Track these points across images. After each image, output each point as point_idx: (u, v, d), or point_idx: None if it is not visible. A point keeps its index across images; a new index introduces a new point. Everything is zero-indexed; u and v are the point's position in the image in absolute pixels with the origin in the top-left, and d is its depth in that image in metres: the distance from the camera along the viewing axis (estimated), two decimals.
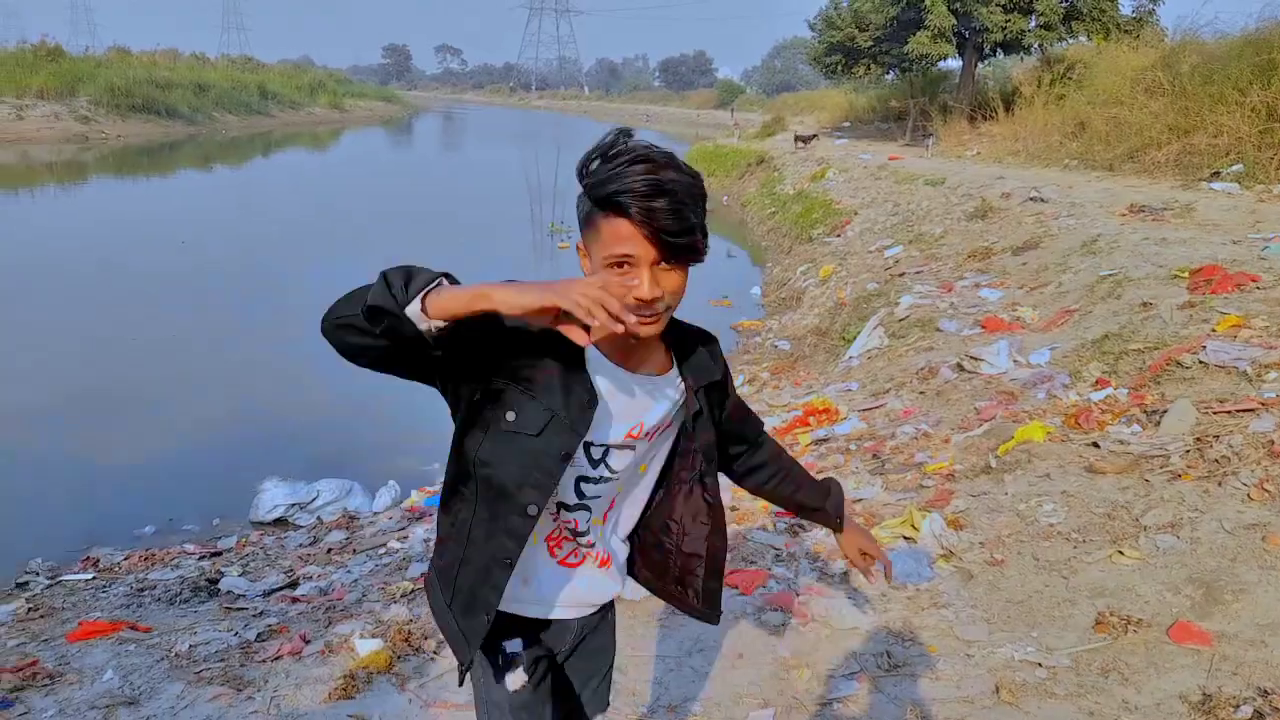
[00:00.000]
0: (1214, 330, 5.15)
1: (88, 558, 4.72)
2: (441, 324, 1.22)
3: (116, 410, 6.92)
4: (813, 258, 12.93)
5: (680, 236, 1.27)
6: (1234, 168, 11.05)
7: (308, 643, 3.39)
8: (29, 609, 4.02)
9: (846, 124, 28.44)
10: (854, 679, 2.88)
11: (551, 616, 1.58)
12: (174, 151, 29.20)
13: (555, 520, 1.53)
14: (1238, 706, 2.41)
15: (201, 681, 3.07)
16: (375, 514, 5.32)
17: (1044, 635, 2.97)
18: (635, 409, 1.45)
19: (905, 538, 3.87)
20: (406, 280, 1.23)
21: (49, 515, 5.29)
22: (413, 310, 1.21)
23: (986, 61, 26.19)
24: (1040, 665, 2.80)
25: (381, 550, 4.62)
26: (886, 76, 28.37)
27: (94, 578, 4.48)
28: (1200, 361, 4.77)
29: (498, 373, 1.37)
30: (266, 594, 4.10)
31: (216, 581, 4.27)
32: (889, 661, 2.95)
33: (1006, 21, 22.14)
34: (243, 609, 3.92)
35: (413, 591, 3.85)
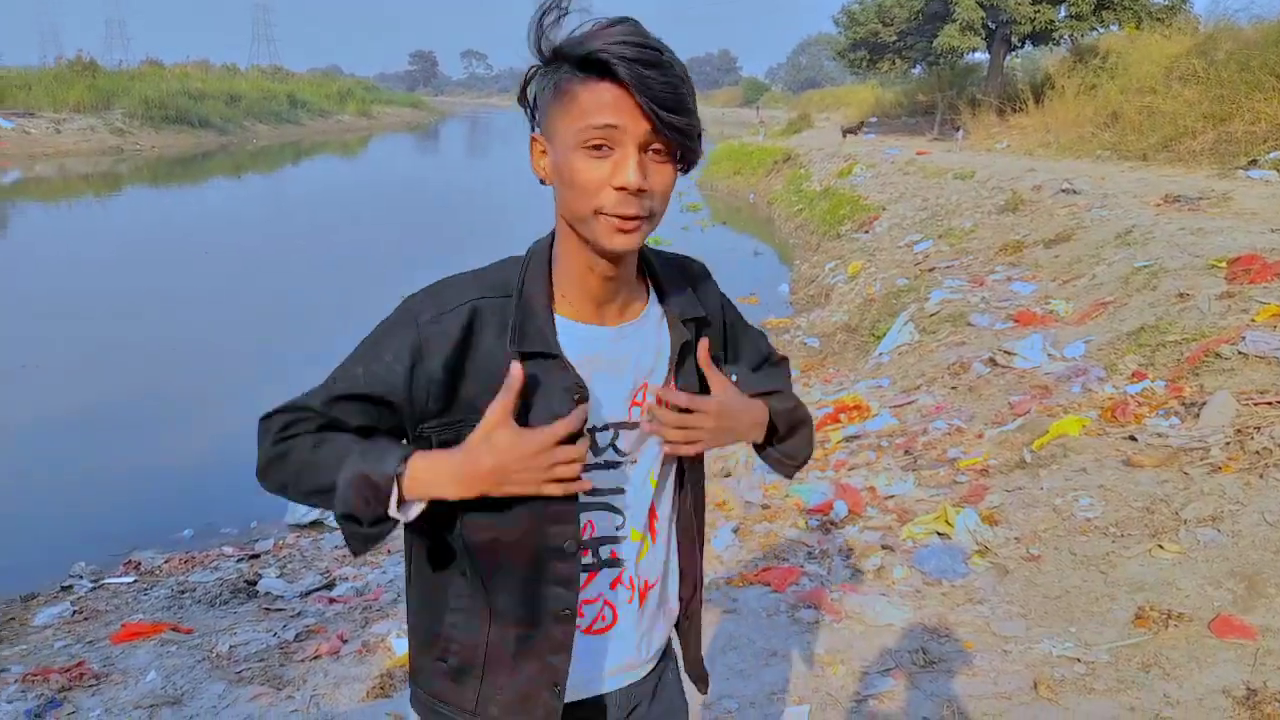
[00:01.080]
0: (1253, 320, 5.05)
1: (129, 561, 4.81)
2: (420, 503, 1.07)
3: (155, 416, 7.05)
4: (841, 254, 12.85)
5: (677, 113, 1.01)
6: (1272, 155, 10.83)
7: (345, 642, 3.44)
8: (74, 611, 4.11)
9: (873, 119, 28.22)
10: (889, 675, 2.87)
11: (574, 699, 1.22)
12: (206, 161, 29.67)
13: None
14: None
15: (242, 681, 3.13)
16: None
17: (1083, 630, 2.93)
18: (631, 369, 1.18)
19: (939, 534, 3.84)
20: (369, 499, 1.06)
21: (91, 520, 5.40)
22: (406, 512, 1.07)
23: (1015, 53, 25.88)
24: (1079, 660, 2.76)
25: None
26: (913, 71, 28.15)
27: (136, 580, 4.56)
28: (1240, 352, 4.68)
29: (466, 415, 1.11)
30: (304, 595, 4.16)
31: (255, 583, 4.34)
32: (924, 657, 2.93)
33: (1036, 12, 21.87)
34: (281, 610, 3.98)
35: None
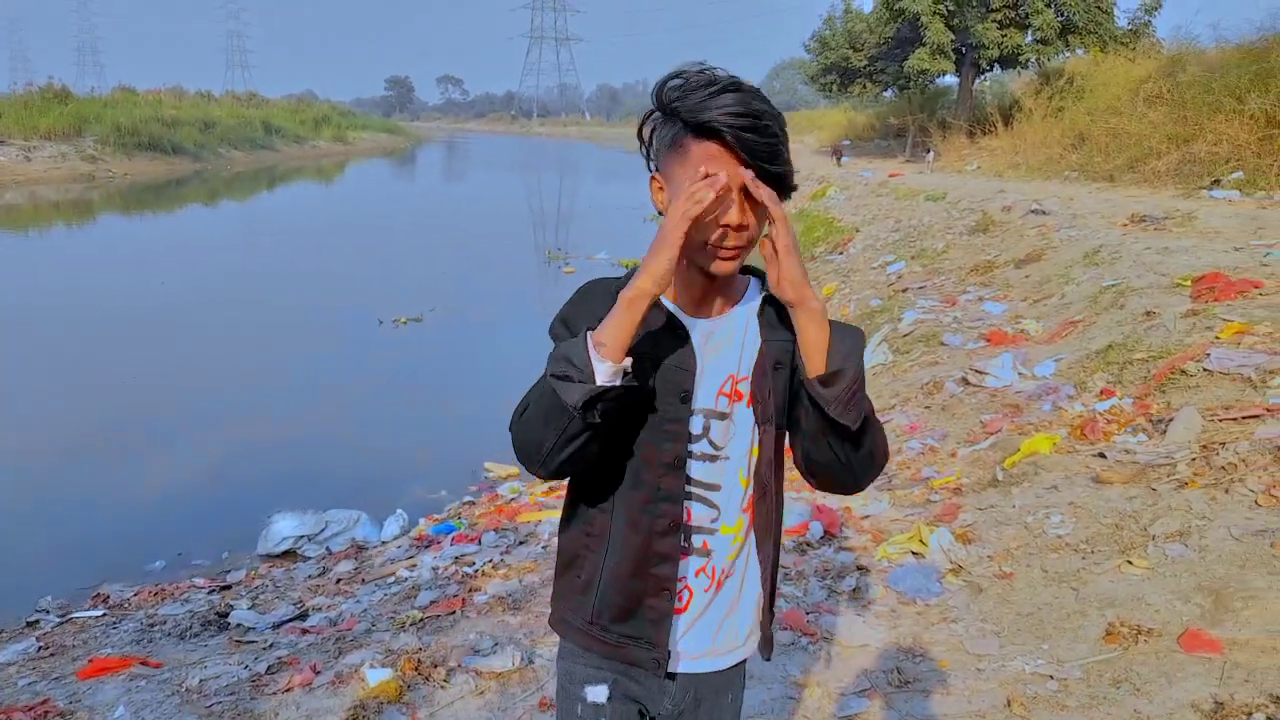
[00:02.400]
0: (1218, 337, 5.15)
1: (98, 594, 4.73)
2: (628, 360, 1.21)
3: (124, 447, 6.96)
4: (816, 276, 12.96)
5: (772, 165, 1.23)
6: (1234, 175, 11.08)
7: (318, 674, 3.39)
8: (40, 647, 4.03)
9: (846, 142, 28.59)
10: (865, 696, 2.87)
11: (649, 656, 1.38)
12: (180, 188, 29.48)
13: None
14: (1250, 714, 2.39)
15: (212, 716, 3.07)
16: (383, 543, 5.32)
17: (1054, 647, 2.95)
18: (721, 359, 1.35)
19: (914, 553, 3.86)
20: (570, 361, 1.21)
21: (59, 553, 5.31)
22: (604, 372, 1.20)
23: (984, 77, 26.35)
24: (1051, 678, 2.78)
25: (390, 579, 4.62)
26: (884, 94, 28.58)
27: (104, 614, 4.48)
28: (1205, 369, 4.76)
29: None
30: (276, 626, 4.10)
31: (226, 615, 4.27)
32: (899, 678, 2.94)
33: (1003, 37, 22.33)
34: (253, 642, 3.92)
35: (422, 620, 3.85)
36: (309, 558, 5.20)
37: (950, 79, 25.82)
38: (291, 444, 7.12)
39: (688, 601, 1.39)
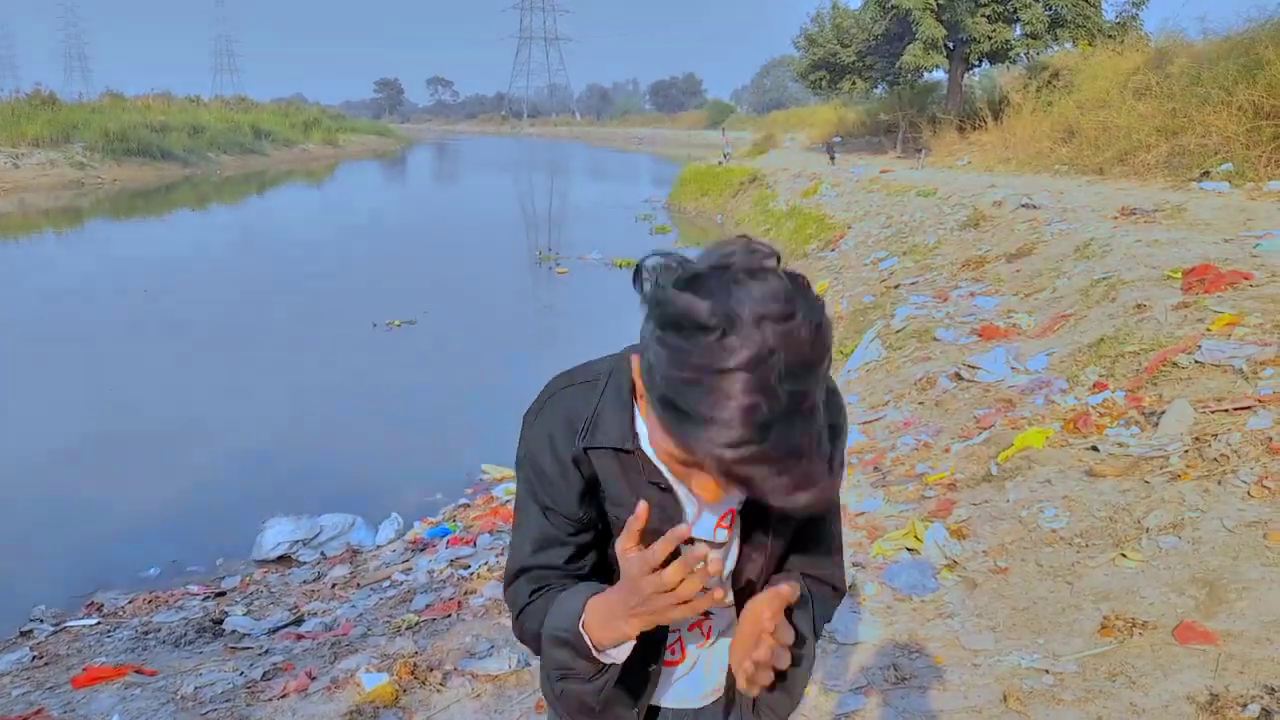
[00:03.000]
0: (1209, 329, 5.16)
1: (92, 603, 4.71)
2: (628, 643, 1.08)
3: (117, 454, 6.93)
4: (808, 273, 12.92)
5: (796, 505, 0.89)
6: (1223, 167, 11.11)
7: (313, 679, 3.39)
8: (34, 656, 4.02)
9: (838, 139, 28.62)
10: (861, 693, 2.87)
11: (630, 713, 1.28)
12: (169, 193, 29.38)
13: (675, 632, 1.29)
14: (1245, 705, 2.39)
15: None
16: (378, 547, 5.31)
17: (1050, 641, 2.96)
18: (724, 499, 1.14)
19: (909, 549, 3.86)
20: (573, 668, 1.12)
21: (53, 562, 5.28)
22: (615, 656, 1.09)
23: (973, 72, 26.40)
24: (1047, 672, 2.78)
25: (385, 583, 4.61)
26: (874, 90, 28.61)
27: (98, 623, 4.47)
28: (1196, 361, 4.77)
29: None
30: (271, 632, 4.09)
31: (221, 621, 4.26)
32: (896, 674, 2.94)
33: (993, 31, 22.37)
34: (248, 648, 3.91)
35: (417, 624, 3.84)
36: (304, 563, 5.19)
37: (940, 74, 25.86)
38: (285, 449, 7.10)
39: (680, 658, 1.30)
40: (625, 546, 1.00)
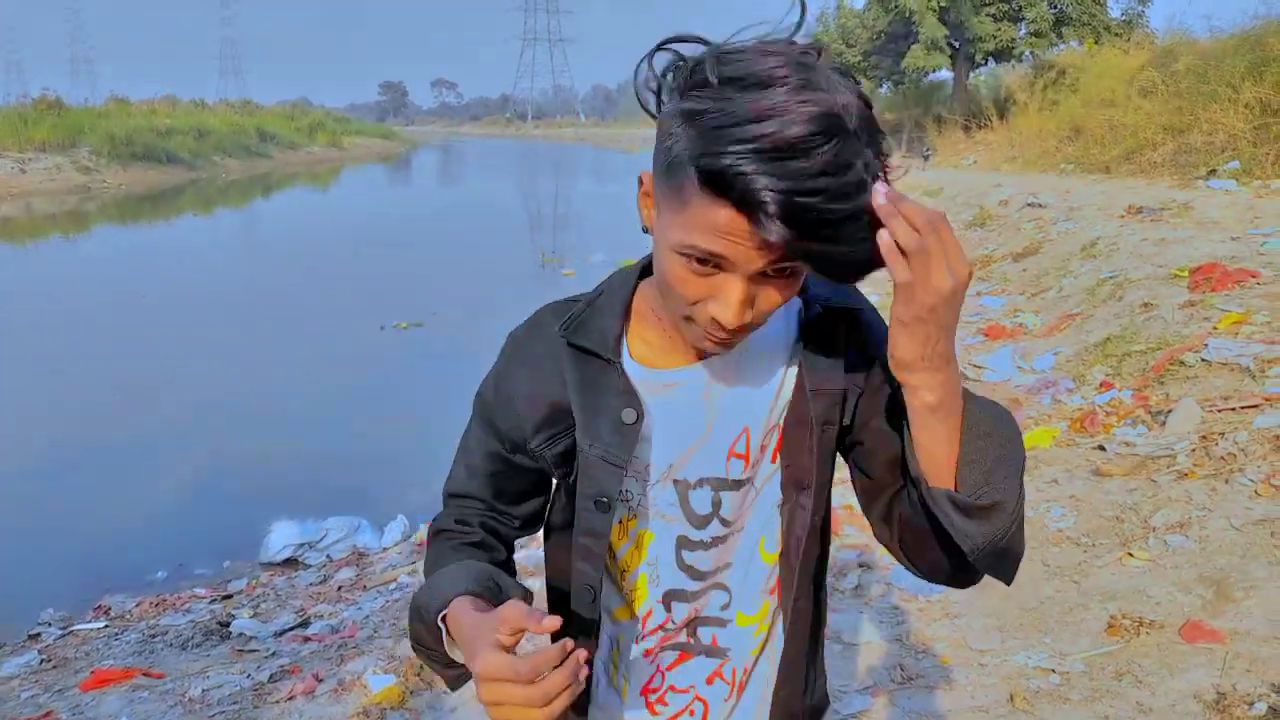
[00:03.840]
0: (1215, 328, 5.15)
1: (99, 606, 4.73)
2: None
3: (123, 457, 6.95)
4: None
5: (834, 239, 0.74)
6: (1230, 164, 11.07)
7: (320, 681, 3.39)
8: (42, 660, 4.03)
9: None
10: (868, 693, 2.87)
11: None
12: (175, 197, 29.49)
13: (664, 630, 1.04)
14: (1252, 704, 2.39)
15: None
16: (384, 549, 5.32)
17: (1057, 641, 2.95)
18: (731, 409, 0.97)
19: None
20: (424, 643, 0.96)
21: (60, 565, 5.30)
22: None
23: (978, 71, 26.35)
24: (1054, 671, 2.78)
25: (392, 585, 4.61)
26: (879, 90, 28.57)
27: (106, 626, 4.48)
28: (1203, 360, 4.76)
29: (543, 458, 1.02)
30: (278, 634, 4.10)
31: (228, 624, 4.27)
32: (902, 674, 2.93)
33: (998, 30, 22.34)
34: (255, 650, 3.92)
35: None
36: (310, 565, 5.20)
37: (945, 74, 25.85)
38: (292, 451, 7.11)
39: (702, 717, 1.05)
40: (504, 623, 0.80)
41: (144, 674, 3.65)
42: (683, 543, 1.00)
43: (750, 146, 0.70)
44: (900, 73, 24.78)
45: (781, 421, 0.97)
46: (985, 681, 2.81)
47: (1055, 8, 22.25)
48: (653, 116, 0.87)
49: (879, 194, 0.74)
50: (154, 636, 4.22)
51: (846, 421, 0.97)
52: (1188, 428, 4.12)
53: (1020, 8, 22.25)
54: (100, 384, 8.81)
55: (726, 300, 0.80)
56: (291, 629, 4.15)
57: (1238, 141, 11.40)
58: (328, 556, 5.26)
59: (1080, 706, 2.59)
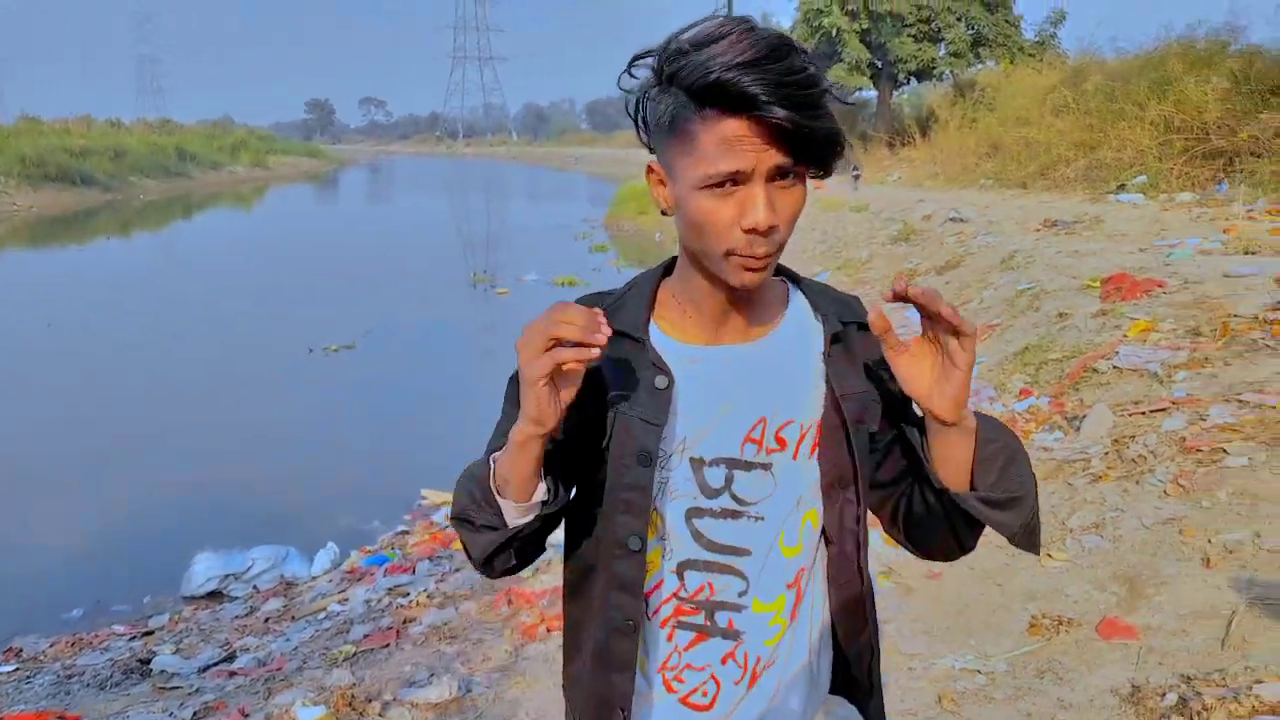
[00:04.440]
0: (1125, 335, 5.37)
1: (9, 648, 4.50)
2: (542, 488, 1.01)
3: (34, 491, 6.65)
4: None
5: (816, 115, 0.90)
6: (1138, 179, 11.61)
7: (247, 717, 3.29)
8: None
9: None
10: None
11: None
12: (90, 220, 28.47)
13: (678, 598, 1.09)
14: (1164, 695, 2.48)
15: None
16: (314, 578, 5.19)
17: (981, 642, 3.03)
18: (747, 398, 1.05)
19: None
20: (474, 499, 1.03)
21: None
22: (513, 512, 1.00)
23: (901, 90, 27.13)
24: (979, 672, 2.85)
25: (322, 615, 4.50)
26: None
27: (17, 669, 4.27)
28: (1114, 366, 4.96)
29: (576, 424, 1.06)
30: (202, 670, 3.96)
31: (148, 661, 4.11)
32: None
33: (918, 51, 23.06)
34: (177, 687, 3.78)
35: (355, 654, 3.76)
36: (235, 597, 5.04)
37: (869, 93, 26.53)
38: (215, 480, 6.90)
39: (714, 698, 1.10)
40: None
41: (59, 717, 3.49)
42: (694, 512, 1.07)
43: (729, 61, 0.87)
44: None
45: (818, 423, 1.07)
46: (914, 685, 2.87)
47: (973, 29, 23.08)
48: (634, 120, 1.02)
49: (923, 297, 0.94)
50: (70, 677, 4.04)
51: (874, 428, 1.09)
52: (1101, 432, 4.29)
53: (940, 29, 23.02)
54: (5, 416, 8.44)
55: (754, 203, 0.92)
56: (216, 664, 4.02)
57: (1144, 157, 11.97)
58: (254, 587, 5.11)
59: (1004, 705, 2.66)
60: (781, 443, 1.06)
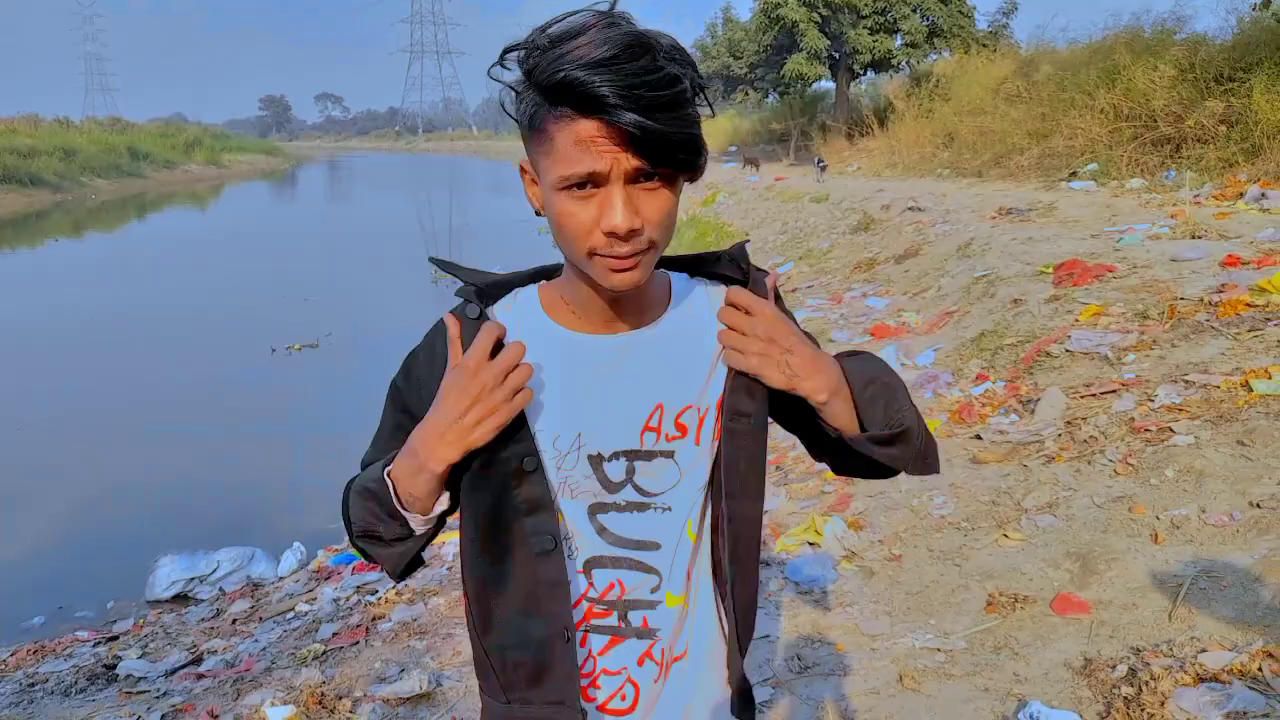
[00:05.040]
0: (1077, 320, 5.51)
1: None
2: (444, 498, 1.01)
3: None
4: None
5: (671, 119, 0.86)
6: (1089, 166, 11.83)
7: (216, 718, 3.28)
8: None
9: (733, 148, 29.23)
10: (768, 685, 2.96)
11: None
12: (39, 221, 27.80)
13: (588, 599, 1.06)
14: (1114, 666, 2.58)
15: None
16: (280, 578, 5.16)
17: (941, 621, 3.11)
18: (640, 386, 1.03)
19: (810, 544, 3.99)
20: (376, 514, 1.03)
21: None
22: (417, 523, 1.02)
23: (859, 81, 27.36)
24: (939, 650, 2.93)
25: (290, 614, 4.49)
26: (766, 100, 29.36)
27: None
28: (1067, 350, 5.09)
29: None
30: (169, 673, 3.93)
31: (114, 666, 4.07)
32: (800, 664, 3.04)
33: (875, 42, 23.27)
34: (144, 691, 3.75)
35: (324, 653, 3.76)
36: (201, 600, 5.00)
37: (828, 84, 26.74)
38: (179, 482, 6.82)
39: (633, 700, 1.08)
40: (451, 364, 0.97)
41: None
42: (597, 508, 1.03)
43: (580, 61, 0.84)
44: (785, 84, 25.51)
45: (699, 400, 1.04)
46: (877, 664, 2.94)
47: (928, 20, 23.34)
48: (511, 118, 0.97)
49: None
50: (33, 685, 3.99)
51: (763, 410, 1.07)
52: (1054, 414, 4.41)
53: (895, 20, 23.25)
54: None
55: (612, 205, 0.89)
56: (183, 666, 3.99)
57: (1095, 145, 12.20)
58: (220, 589, 5.07)
59: (963, 681, 2.74)
60: (682, 429, 1.04)
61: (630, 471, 1.03)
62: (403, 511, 1.00)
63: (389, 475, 1.00)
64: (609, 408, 1.02)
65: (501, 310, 1.08)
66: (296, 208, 37.45)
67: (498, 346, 0.97)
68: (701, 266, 1.11)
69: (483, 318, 1.04)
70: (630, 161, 0.87)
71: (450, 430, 0.95)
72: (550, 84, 0.86)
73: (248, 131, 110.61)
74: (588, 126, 0.86)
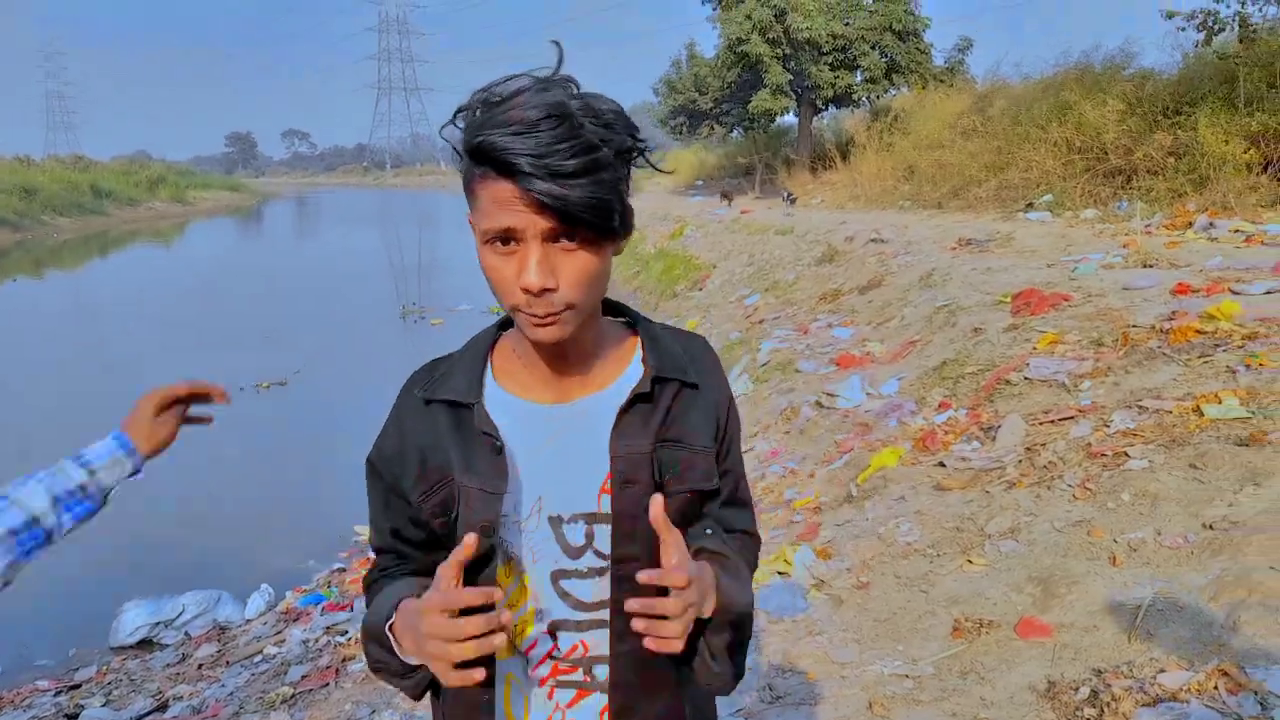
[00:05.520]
0: (1035, 348, 5.64)
1: None
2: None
3: None
4: (678, 312, 13.32)
5: (583, 185, 0.90)
6: (1045, 198, 12.15)
7: None
8: None
9: (699, 182, 29.60)
10: (740, 715, 2.98)
11: None
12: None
13: (553, 658, 1.09)
14: (1077, 689, 2.64)
15: None
16: (248, 621, 5.10)
17: (908, 648, 3.16)
18: (593, 452, 1.05)
19: (780, 573, 4.03)
20: (389, 667, 1.08)
21: None
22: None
23: (821, 115, 27.87)
24: (907, 676, 2.97)
25: (258, 658, 4.44)
26: (731, 135, 29.80)
27: None
28: (1026, 378, 5.21)
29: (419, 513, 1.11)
30: None
31: (76, 716, 4.00)
32: (771, 694, 3.07)
33: (835, 78, 23.74)
34: None
35: (294, 696, 3.72)
36: (167, 645, 4.92)
37: (791, 118, 27.21)
38: (142, 524, 6.69)
39: None
40: (443, 572, 0.95)
41: None
42: (559, 574, 1.06)
43: (502, 130, 0.90)
44: (750, 118, 25.92)
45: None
46: (846, 693, 2.98)
47: (886, 56, 23.88)
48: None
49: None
50: None
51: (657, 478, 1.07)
52: (1014, 441, 4.50)
53: (855, 57, 23.77)
54: None
55: (526, 263, 0.93)
56: (149, 714, 3.93)
57: (1050, 177, 12.54)
58: (186, 634, 5.00)
59: (930, 707, 2.78)
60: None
61: (590, 536, 1.05)
62: (408, 660, 1.03)
63: (391, 631, 1.04)
64: (566, 472, 1.06)
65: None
66: (261, 244, 37.21)
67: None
68: (657, 327, 1.16)
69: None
70: (545, 223, 0.92)
71: (432, 661, 0.97)
72: (471, 147, 0.93)
73: (213, 168, 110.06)
74: (505, 188, 0.91)
